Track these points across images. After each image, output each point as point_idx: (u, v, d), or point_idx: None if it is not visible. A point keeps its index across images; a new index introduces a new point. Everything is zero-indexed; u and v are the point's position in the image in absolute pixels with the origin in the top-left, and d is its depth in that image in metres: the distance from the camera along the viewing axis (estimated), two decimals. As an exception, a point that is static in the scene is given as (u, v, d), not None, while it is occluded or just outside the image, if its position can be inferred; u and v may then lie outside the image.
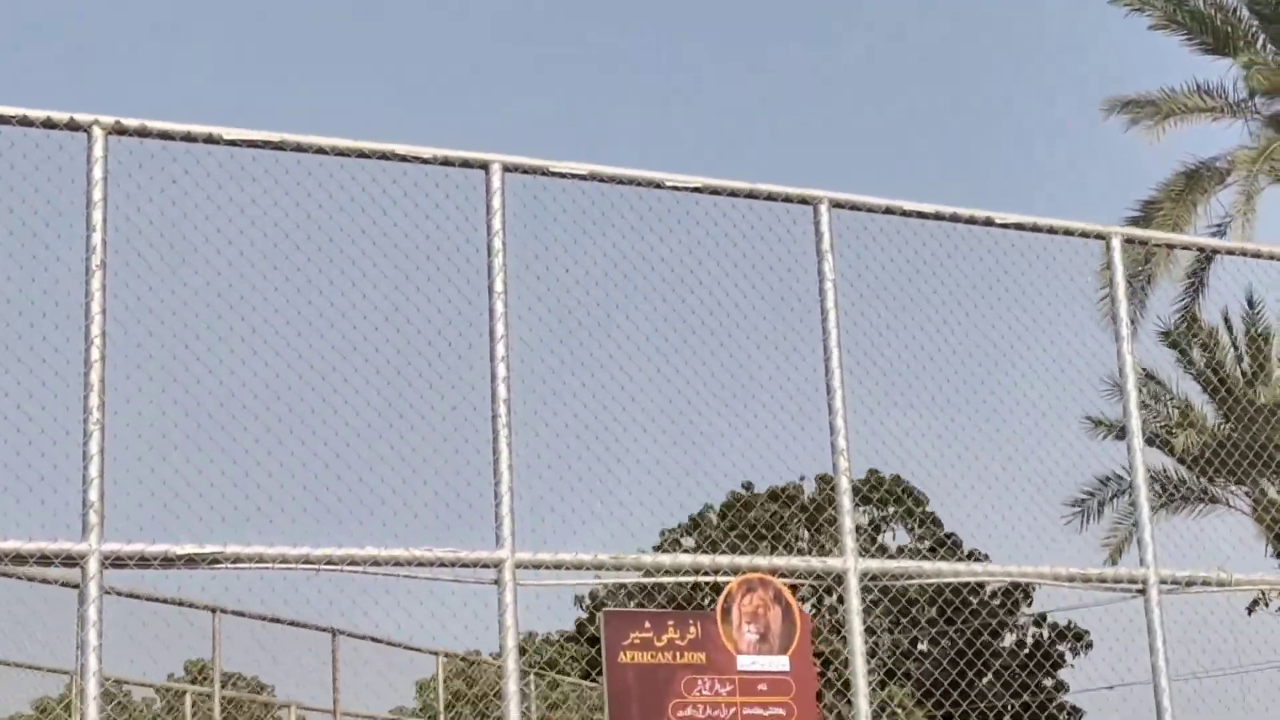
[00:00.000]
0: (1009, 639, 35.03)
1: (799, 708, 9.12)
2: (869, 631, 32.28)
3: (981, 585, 35.35)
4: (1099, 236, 10.86)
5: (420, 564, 8.68)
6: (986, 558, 34.03)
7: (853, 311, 10.02)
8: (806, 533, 37.08)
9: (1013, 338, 10.67)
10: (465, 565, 8.78)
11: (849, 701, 9.41)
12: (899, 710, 29.93)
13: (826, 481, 30.68)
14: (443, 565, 8.72)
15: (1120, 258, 10.84)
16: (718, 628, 9.09)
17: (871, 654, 33.12)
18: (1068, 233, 10.76)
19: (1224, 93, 26.41)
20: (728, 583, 9.19)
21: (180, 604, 17.15)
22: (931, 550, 34.93)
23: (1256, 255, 11.73)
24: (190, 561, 8.32)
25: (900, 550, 37.48)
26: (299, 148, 8.88)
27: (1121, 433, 11.02)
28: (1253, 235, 23.70)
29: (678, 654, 8.98)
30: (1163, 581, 10.38)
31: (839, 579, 9.60)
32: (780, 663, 9.18)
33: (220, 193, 8.52)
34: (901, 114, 76.61)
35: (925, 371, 10.29)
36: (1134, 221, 25.28)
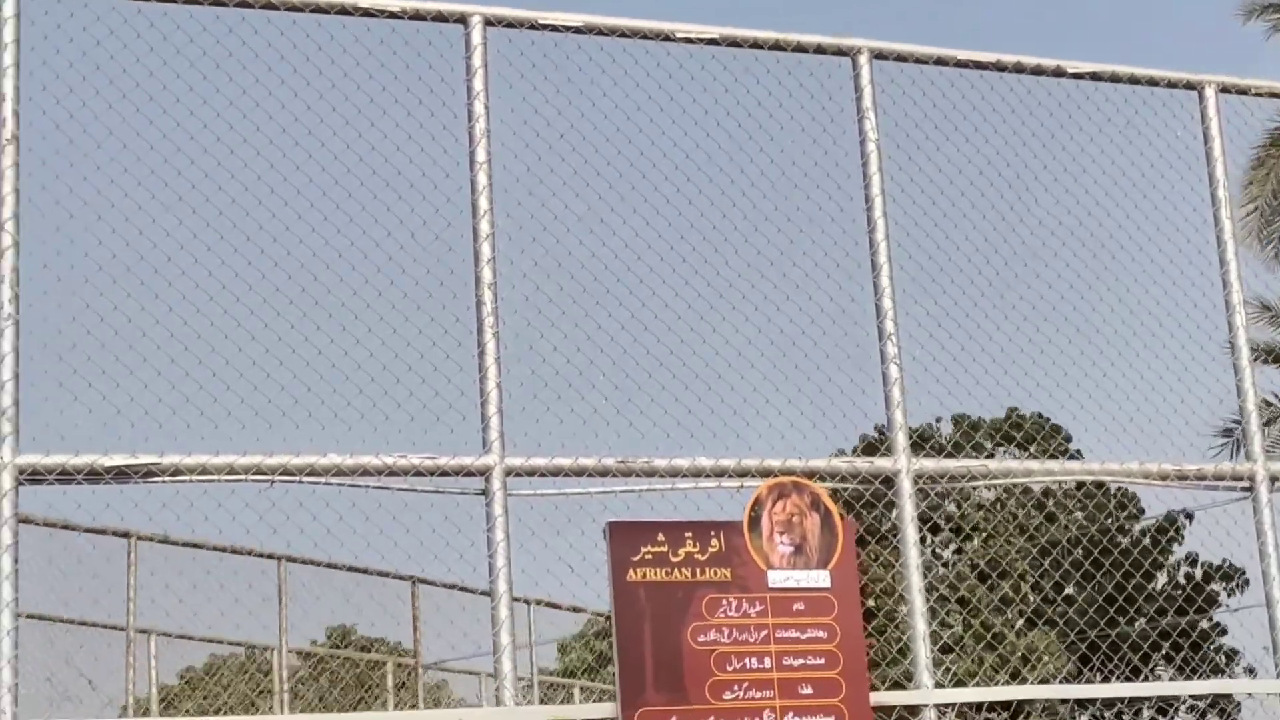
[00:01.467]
0: (1161, 580, 33.34)
1: (842, 630, 7.87)
2: (1003, 574, 30.86)
3: (1128, 526, 33.72)
4: (1189, 86, 9.43)
5: (393, 473, 7.53)
6: (1122, 494, 32.45)
7: (901, 177, 8.71)
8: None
9: (1113, 227, 9.29)
10: (446, 473, 7.62)
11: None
12: (1045, 657, 28.45)
13: (961, 422, 29.18)
14: (419, 474, 7.57)
15: (1217, 111, 9.42)
16: (744, 539, 7.85)
17: (1008, 601, 31.69)
18: (1152, 82, 9.35)
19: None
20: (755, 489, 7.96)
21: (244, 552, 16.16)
22: (1077, 488, 33.24)
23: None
24: (120, 474, 7.23)
25: (1045, 493, 35.83)
26: (242, 3, 7.73)
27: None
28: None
29: (697, 570, 7.76)
30: (1274, 479, 9.00)
31: (889, 481, 8.33)
32: (819, 578, 7.92)
33: (126, 54, 7.40)
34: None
35: (997, 268, 8.96)
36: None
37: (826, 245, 8.51)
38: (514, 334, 7.84)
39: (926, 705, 8.05)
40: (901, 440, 8.37)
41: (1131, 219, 9.18)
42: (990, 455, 28.74)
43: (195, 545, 14.69)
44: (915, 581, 8.19)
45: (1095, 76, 9.24)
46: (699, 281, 8.20)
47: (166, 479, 7.26)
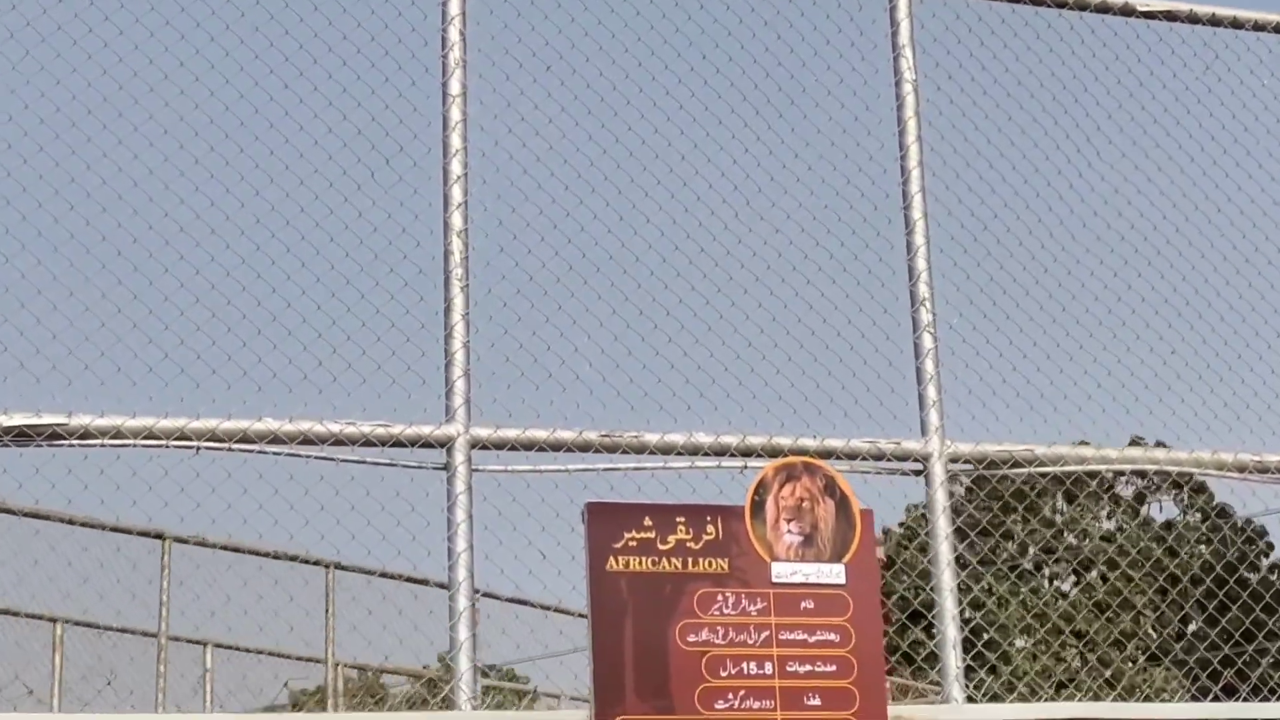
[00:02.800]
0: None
1: (858, 633, 6.82)
2: (1123, 604, 29.42)
3: (1258, 563, 32.12)
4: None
5: (339, 441, 6.59)
6: (1252, 527, 30.45)
7: (941, 123, 7.68)
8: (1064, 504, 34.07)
9: (1188, 185, 8.18)
10: (402, 444, 6.67)
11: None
12: (1166, 693, 27.01)
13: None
14: (370, 444, 6.63)
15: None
16: (745, 526, 6.83)
17: (1130, 635, 30.29)
18: (1236, 24, 8.24)
19: None
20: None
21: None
22: (1203, 520, 31.69)
23: None
24: (21, 436, 6.34)
25: (1167, 525, 34.22)
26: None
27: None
28: None
29: (689, 560, 6.74)
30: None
31: (918, 467, 7.28)
32: (832, 573, 6.88)
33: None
34: None
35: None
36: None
37: (852, 197, 7.49)
38: (485, 288, 6.89)
39: (958, 722, 6.99)
40: (934, 419, 7.32)
41: (1209, 175, 8.06)
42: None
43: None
44: (946, 581, 7.14)
45: (1170, 16, 8.15)
46: (703, 234, 7.20)
47: (75, 443, 6.36)
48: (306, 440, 6.54)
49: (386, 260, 6.77)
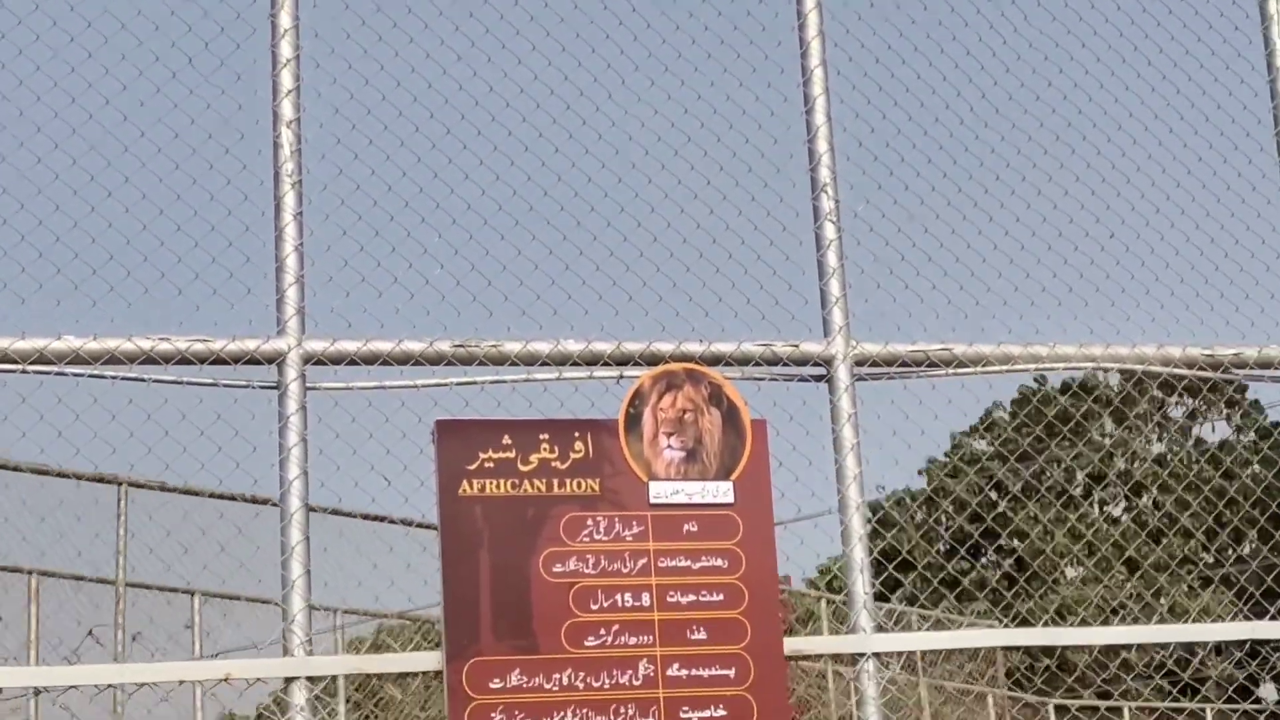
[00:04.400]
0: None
1: (749, 558, 6.07)
2: (1183, 534, 28.58)
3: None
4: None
5: (151, 360, 5.84)
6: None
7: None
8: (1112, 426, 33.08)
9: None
10: (225, 361, 5.92)
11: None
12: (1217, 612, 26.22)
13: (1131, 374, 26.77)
14: (187, 361, 5.87)
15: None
16: (620, 442, 6.08)
17: (1181, 560, 29.49)
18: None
19: None
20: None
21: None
22: (1262, 438, 30.79)
23: None
24: None
25: (1199, 443, 33.23)
26: None
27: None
28: None
29: (555, 482, 5.99)
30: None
31: (820, 372, 6.50)
32: (718, 491, 6.13)
33: None
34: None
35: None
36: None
37: (742, 73, 6.69)
38: (320, 185, 6.12)
39: (865, 654, 6.24)
40: (838, 318, 6.54)
41: (1126, 61, 7.26)
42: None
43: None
44: (853, 497, 6.37)
45: None
46: (570, 118, 6.42)
47: None
48: (113, 360, 5.80)
49: (207, 155, 6.02)
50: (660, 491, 6.08)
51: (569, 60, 6.46)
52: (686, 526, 6.08)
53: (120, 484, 11.36)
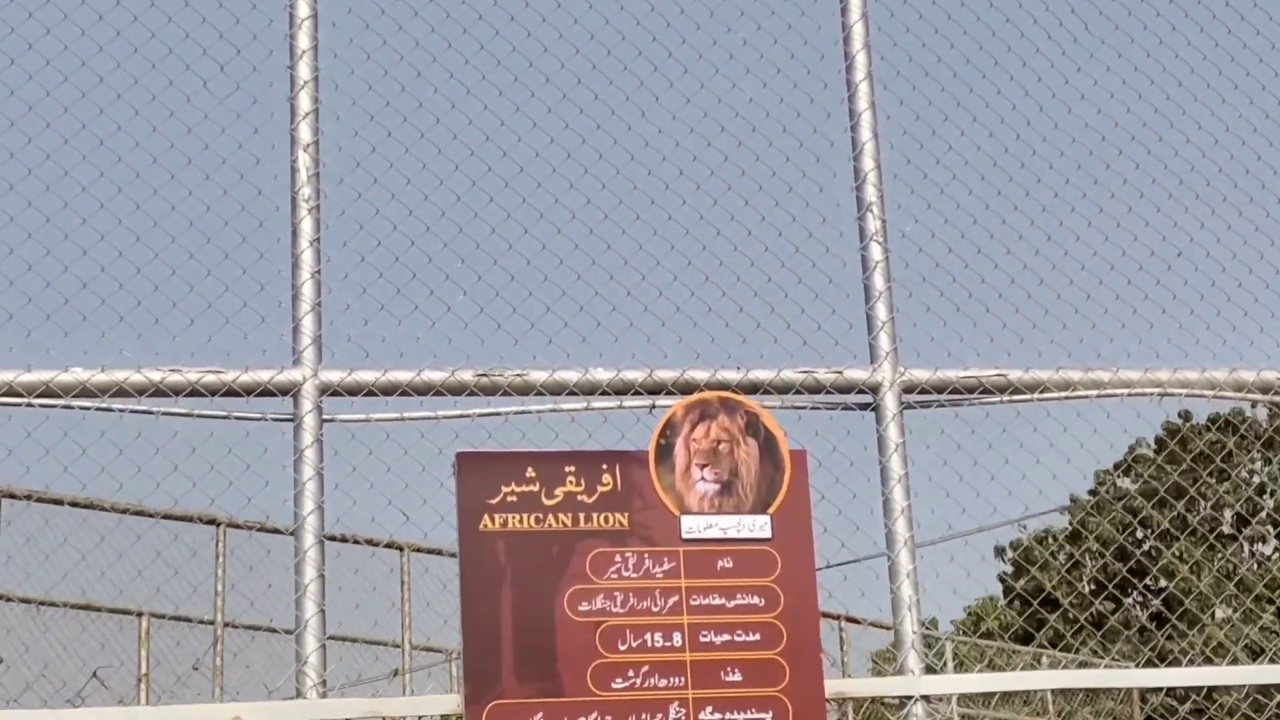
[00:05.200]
0: None
1: (787, 594, 5.76)
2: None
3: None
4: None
5: (160, 392, 5.64)
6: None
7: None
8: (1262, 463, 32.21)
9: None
10: (236, 392, 5.70)
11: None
12: None
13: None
14: (198, 394, 5.67)
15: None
16: (650, 474, 5.80)
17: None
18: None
19: None
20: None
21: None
22: None
23: None
24: None
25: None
26: None
27: None
28: None
29: (581, 517, 5.71)
30: None
31: (866, 400, 6.18)
32: (755, 525, 5.83)
33: None
34: None
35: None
36: None
37: (782, 88, 6.41)
38: (338, 210, 5.91)
39: (913, 697, 5.89)
40: (885, 343, 6.23)
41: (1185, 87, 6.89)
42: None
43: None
44: (900, 531, 6.04)
45: None
46: (600, 138, 6.17)
47: None
48: (122, 392, 5.60)
49: (221, 180, 5.82)
50: (693, 526, 5.78)
51: (599, 78, 6.23)
52: (721, 563, 5.78)
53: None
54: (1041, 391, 6.38)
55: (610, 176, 6.13)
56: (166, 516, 10.35)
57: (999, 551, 32.68)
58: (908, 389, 6.20)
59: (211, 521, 9.48)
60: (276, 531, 8.85)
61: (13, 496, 10.18)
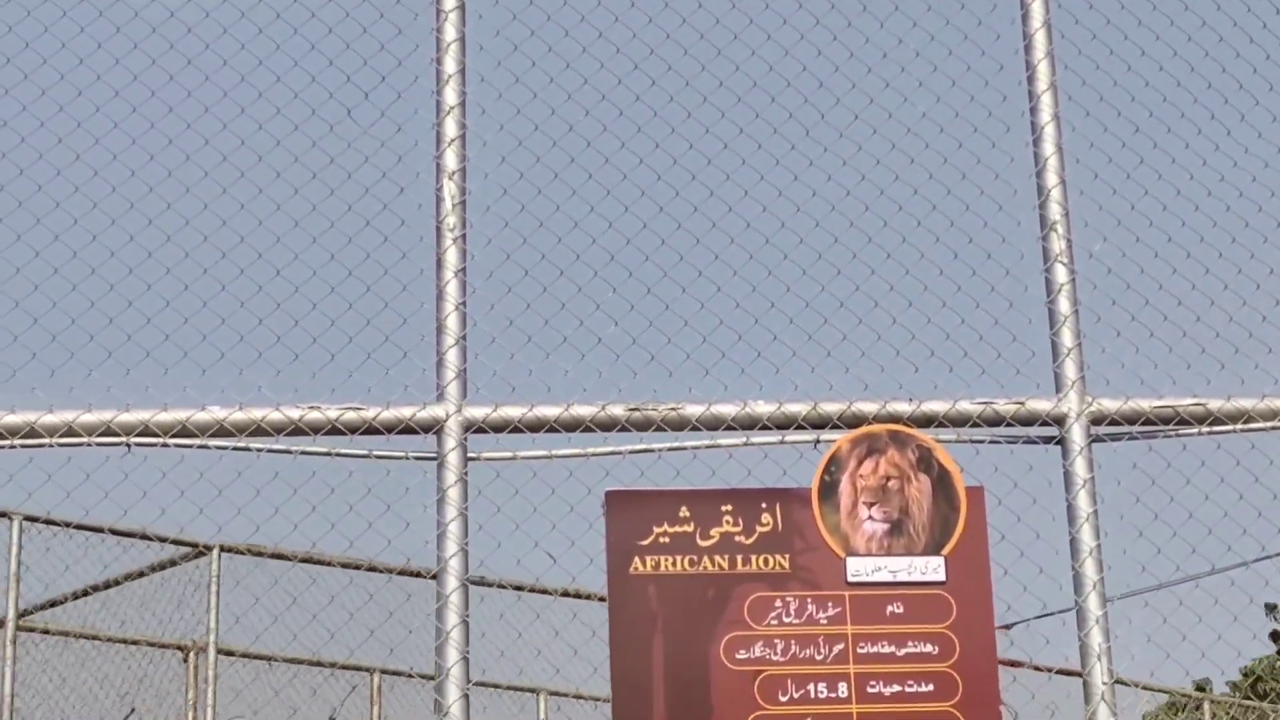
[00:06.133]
0: None
1: (963, 642, 5.34)
2: None
3: None
4: None
5: (299, 431, 5.43)
6: None
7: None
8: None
9: None
10: (377, 430, 5.47)
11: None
12: None
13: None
14: (338, 432, 5.45)
15: None
16: (813, 513, 5.43)
17: None
18: None
19: None
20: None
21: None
22: None
23: None
24: (-84, 440, 5.36)
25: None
26: None
27: None
28: None
29: (739, 559, 5.36)
30: None
31: (1051, 432, 5.73)
32: (928, 568, 5.42)
33: None
34: None
35: None
36: None
37: (958, 102, 6.01)
38: (484, 239, 5.66)
39: (1106, 755, 5.42)
40: (1071, 371, 5.78)
41: None
42: None
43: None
44: (1089, 574, 5.57)
45: None
46: (761, 158, 5.83)
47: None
48: (259, 431, 5.41)
49: (362, 211, 5.61)
50: (860, 568, 5.40)
51: (760, 95, 5.90)
52: (890, 608, 5.38)
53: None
54: (1245, 421, 5.86)
55: (771, 198, 5.79)
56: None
57: (1269, 609, 30.93)
58: (1096, 420, 5.74)
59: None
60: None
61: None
